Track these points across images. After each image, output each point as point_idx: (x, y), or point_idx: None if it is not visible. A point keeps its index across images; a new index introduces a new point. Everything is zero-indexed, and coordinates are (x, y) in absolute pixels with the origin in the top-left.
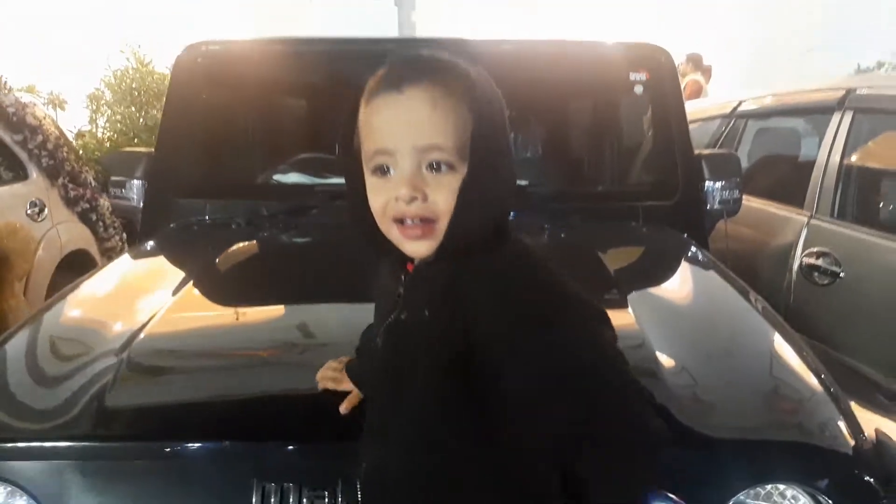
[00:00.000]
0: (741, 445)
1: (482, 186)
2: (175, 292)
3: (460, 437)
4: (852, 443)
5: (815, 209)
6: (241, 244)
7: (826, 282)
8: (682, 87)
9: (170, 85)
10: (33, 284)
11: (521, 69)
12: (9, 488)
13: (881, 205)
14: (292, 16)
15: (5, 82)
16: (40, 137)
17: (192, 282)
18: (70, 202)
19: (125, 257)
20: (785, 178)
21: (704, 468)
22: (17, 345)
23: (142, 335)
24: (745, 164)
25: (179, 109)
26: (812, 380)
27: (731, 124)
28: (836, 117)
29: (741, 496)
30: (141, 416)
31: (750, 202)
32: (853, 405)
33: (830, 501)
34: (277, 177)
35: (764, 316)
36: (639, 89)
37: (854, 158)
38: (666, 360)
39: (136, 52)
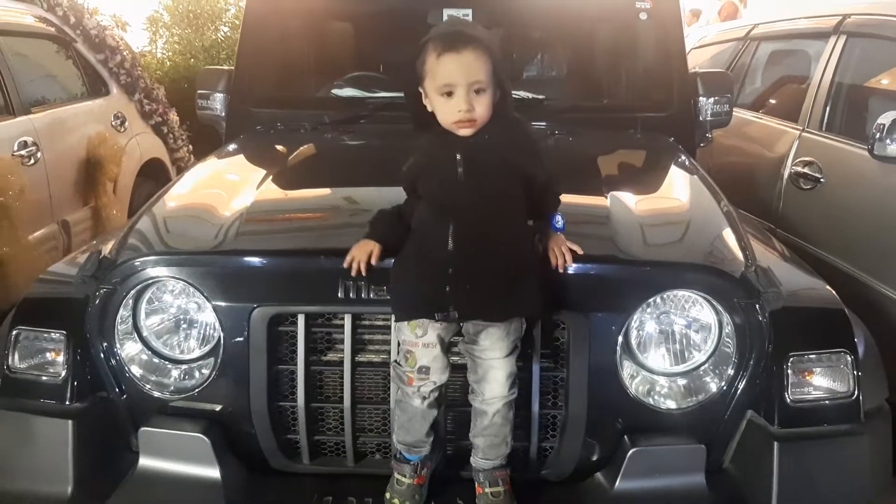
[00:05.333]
0: (662, 263)
1: (498, 95)
2: (269, 173)
3: (516, 205)
4: (741, 270)
5: (808, 123)
6: (312, 143)
7: (809, 186)
8: (718, 9)
9: (245, 13)
10: (120, 187)
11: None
12: (181, 284)
13: (867, 119)
14: None
15: (88, 6)
16: (119, 57)
17: (281, 167)
18: (145, 115)
19: (228, 148)
20: (787, 95)
21: (636, 276)
22: (162, 206)
23: (253, 198)
24: (756, 84)
25: (253, 34)
26: (735, 246)
27: (745, 46)
28: (831, 40)
29: (658, 297)
30: (264, 240)
31: (760, 118)
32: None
33: (720, 306)
34: (335, 91)
35: (721, 208)
36: (643, 16)
37: (843, 78)
38: (622, 225)
39: None
